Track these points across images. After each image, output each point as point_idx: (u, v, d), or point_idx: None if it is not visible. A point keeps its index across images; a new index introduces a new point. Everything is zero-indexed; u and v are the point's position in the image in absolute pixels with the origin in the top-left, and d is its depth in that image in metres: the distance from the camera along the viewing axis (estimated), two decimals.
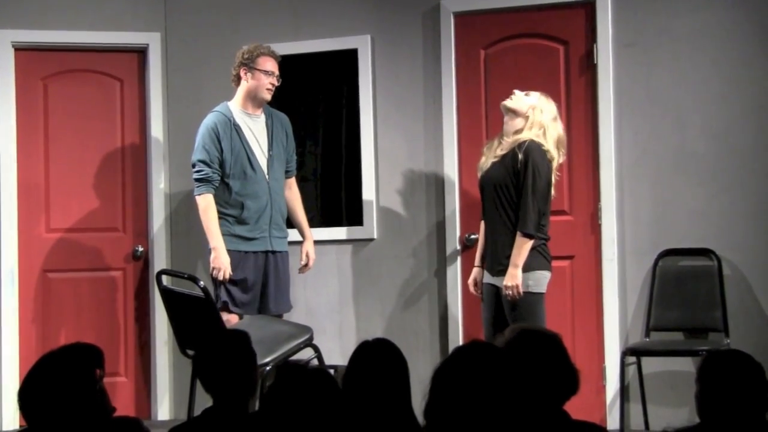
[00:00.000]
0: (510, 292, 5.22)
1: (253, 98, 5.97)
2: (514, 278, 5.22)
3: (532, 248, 5.26)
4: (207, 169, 5.82)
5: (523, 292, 5.23)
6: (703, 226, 5.88)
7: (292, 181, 6.20)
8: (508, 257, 5.27)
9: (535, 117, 5.37)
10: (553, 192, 5.42)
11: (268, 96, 5.99)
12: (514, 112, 5.42)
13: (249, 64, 5.94)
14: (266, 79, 5.95)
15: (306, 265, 6.13)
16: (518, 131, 5.38)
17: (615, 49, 6.04)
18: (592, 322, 6.06)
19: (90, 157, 6.81)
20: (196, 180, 5.86)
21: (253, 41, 6.12)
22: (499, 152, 5.41)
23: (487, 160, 5.47)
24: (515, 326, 3.53)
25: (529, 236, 5.22)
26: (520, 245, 5.23)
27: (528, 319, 5.15)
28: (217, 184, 5.84)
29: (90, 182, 6.80)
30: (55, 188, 6.77)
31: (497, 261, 5.38)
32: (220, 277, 5.74)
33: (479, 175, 5.54)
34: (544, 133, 5.36)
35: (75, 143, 6.79)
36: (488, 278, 5.47)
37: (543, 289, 5.34)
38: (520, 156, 5.28)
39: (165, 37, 6.85)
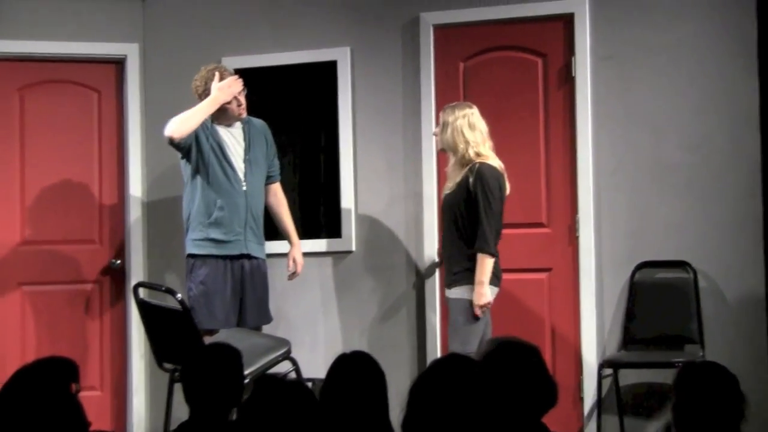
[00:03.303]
0: (483, 311, 5.39)
1: (227, 119, 5.93)
2: (482, 296, 5.38)
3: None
4: None
5: (467, 301, 5.39)
6: (680, 238, 5.90)
7: (277, 187, 6.16)
8: (454, 273, 5.48)
9: (457, 141, 5.47)
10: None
11: (243, 114, 5.94)
12: (445, 150, 5.61)
13: (207, 94, 5.86)
14: (231, 106, 5.88)
15: (294, 272, 6.10)
16: (459, 160, 5.50)
17: (593, 62, 6.06)
18: (569, 335, 6.07)
19: (67, 168, 6.78)
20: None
21: (233, 52, 6.11)
22: (456, 178, 5.51)
23: (449, 184, 5.58)
24: (494, 338, 3.54)
25: (490, 254, 5.38)
26: (482, 263, 5.38)
27: (467, 327, 5.35)
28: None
29: (66, 194, 6.76)
30: (31, 200, 6.73)
31: (448, 274, 5.56)
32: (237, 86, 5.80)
33: (443, 197, 5.65)
34: (469, 145, 5.46)
35: (52, 154, 6.75)
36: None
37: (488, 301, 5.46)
38: (471, 179, 5.41)
39: (143, 48, 6.84)
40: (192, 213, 5.87)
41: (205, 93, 5.85)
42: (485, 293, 5.37)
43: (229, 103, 5.85)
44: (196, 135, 5.78)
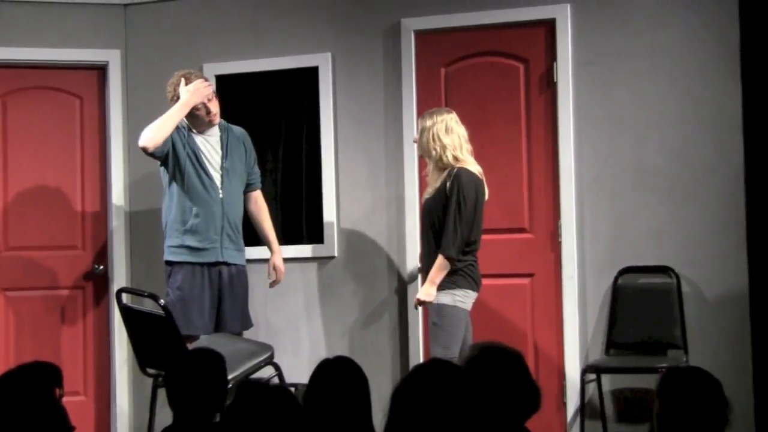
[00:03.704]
0: (421, 307, 5.51)
1: (201, 126, 5.93)
2: (428, 295, 5.43)
3: (459, 269, 5.42)
4: None
5: (449, 306, 5.41)
6: (662, 244, 5.92)
7: (258, 195, 6.15)
8: None
9: (431, 146, 5.50)
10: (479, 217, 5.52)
11: (215, 121, 5.93)
12: (423, 156, 5.65)
13: (178, 99, 5.84)
14: (200, 113, 5.86)
15: (275, 280, 6.10)
16: (436, 165, 5.52)
17: (575, 68, 6.08)
18: (552, 340, 6.08)
19: (49, 174, 6.76)
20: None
21: (214, 58, 6.11)
22: (436, 183, 5.52)
23: (429, 189, 5.60)
24: (477, 344, 3.54)
25: (449, 258, 5.39)
26: (440, 264, 5.41)
27: (447, 330, 5.39)
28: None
29: (49, 200, 6.75)
30: (14, 206, 6.71)
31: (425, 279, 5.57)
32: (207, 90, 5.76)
33: (423, 202, 5.67)
34: (446, 149, 5.47)
35: (34, 160, 6.74)
36: None
37: (467, 306, 5.47)
38: (448, 183, 5.43)
39: (125, 54, 6.83)
40: (169, 220, 5.87)
41: (175, 98, 5.84)
42: (430, 292, 5.41)
43: (198, 109, 5.83)
44: (172, 142, 5.78)
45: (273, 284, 6.12)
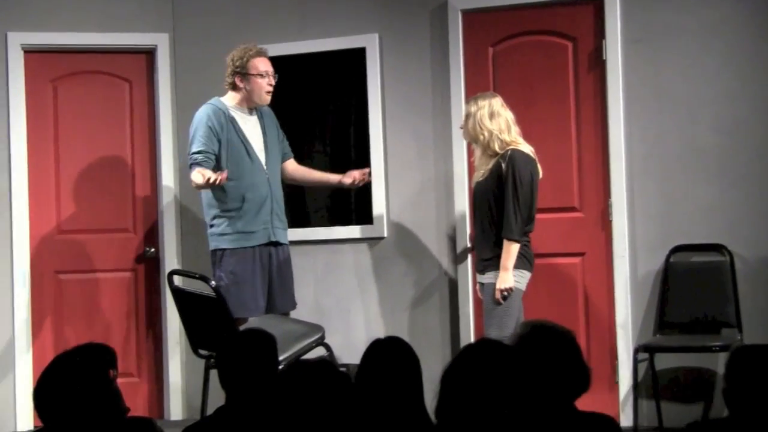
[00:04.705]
0: (506, 294, 5.40)
1: (250, 101, 5.95)
2: (504, 281, 5.40)
3: None
4: (200, 156, 5.76)
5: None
6: (714, 222, 5.87)
7: (293, 162, 6.21)
8: (486, 260, 5.51)
9: (478, 132, 5.49)
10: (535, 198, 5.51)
11: (267, 99, 5.95)
12: (470, 142, 5.69)
13: (242, 71, 5.88)
14: (263, 81, 5.90)
15: (363, 177, 6.09)
16: (484, 150, 5.52)
17: (623, 45, 6.03)
18: (603, 319, 6.05)
19: (100, 158, 6.82)
20: (191, 165, 5.76)
21: (261, 41, 6.12)
22: (488, 165, 5.51)
23: (478, 172, 5.58)
24: (529, 321, 3.53)
25: (515, 240, 5.39)
26: (507, 249, 5.41)
27: (501, 311, 5.39)
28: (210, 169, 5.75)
29: (100, 183, 6.82)
30: (66, 190, 6.78)
31: (480, 260, 5.60)
32: (212, 179, 5.54)
33: (473, 185, 5.66)
34: (493, 134, 5.46)
35: (85, 145, 6.80)
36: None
37: (521, 286, 5.47)
38: (503, 165, 5.41)
39: (173, 37, 6.86)
40: (218, 205, 5.86)
41: (234, 72, 5.87)
42: (508, 279, 5.39)
43: (261, 76, 5.86)
44: (218, 140, 5.79)
45: (365, 177, 6.12)
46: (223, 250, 5.85)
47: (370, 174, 6.17)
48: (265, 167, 5.93)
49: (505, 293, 5.39)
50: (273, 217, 5.91)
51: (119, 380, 3.30)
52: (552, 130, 6.13)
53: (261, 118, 6.02)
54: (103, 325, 6.75)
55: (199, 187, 5.71)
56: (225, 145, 5.82)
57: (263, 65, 5.92)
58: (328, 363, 3.28)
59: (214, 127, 5.80)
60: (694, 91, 5.93)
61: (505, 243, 5.40)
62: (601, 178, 6.08)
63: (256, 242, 5.85)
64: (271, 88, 5.94)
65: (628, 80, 6.03)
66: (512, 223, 5.38)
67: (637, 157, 6.01)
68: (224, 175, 5.57)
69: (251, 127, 5.95)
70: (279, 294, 5.93)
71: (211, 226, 5.90)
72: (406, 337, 3.77)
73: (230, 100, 5.95)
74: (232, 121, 5.88)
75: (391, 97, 6.47)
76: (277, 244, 5.92)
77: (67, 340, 6.54)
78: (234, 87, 5.93)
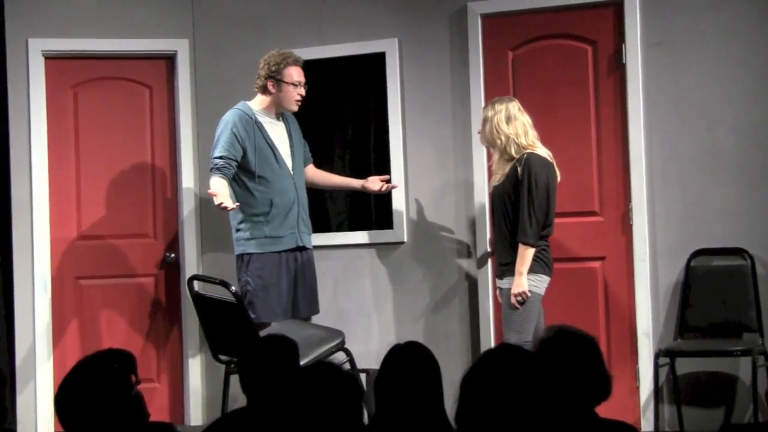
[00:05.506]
0: (520, 299, 5.40)
1: (278, 107, 5.97)
2: (519, 286, 5.41)
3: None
4: (220, 162, 5.77)
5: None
6: (735, 225, 5.84)
7: (312, 167, 6.25)
8: (504, 264, 5.52)
9: (495, 136, 5.51)
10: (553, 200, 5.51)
11: (295, 107, 5.97)
12: (488, 147, 5.75)
13: (276, 76, 5.90)
14: (294, 91, 5.92)
15: (387, 184, 6.18)
16: (501, 155, 5.53)
17: (643, 49, 6.01)
18: (624, 323, 6.03)
19: (120, 163, 6.85)
20: (212, 170, 5.78)
21: (280, 46, 6.12)
22: (505, 169, 5.53)
23: (496, 176, 5.60)
24: (552, 326, 3.52)
25: (530, 245, 5.39)
26: (522, 254, 5.41)
27: (520, 316, 5.39)
28: (229, 176, 5.78)
29: (120, 189, 6.84)
30: (86, 195, 6.81)
31: (499, 265, 5.61)
32: (223, 204, 5.54)
33: (491, 189, 5.67)
34: (510, 139, 5.47)
35: (105, 150, 6.83)
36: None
37: (539, 290, 5.47)
38: (519, 169, 5.42)
39: (193, 43, 6.89)
40: (245, 210, 5.86)
41: (267, 75, 5.89)
42: (522, 283, 5.39)
43: (294, 85, 5.89)
44: (242, 147, 5.80)
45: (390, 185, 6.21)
46: (250, 254, 5.86)
47: (390, 180, 6.18)
48: (291, 172, 5.94)
49: (520, 298, 5.39)
50: (299, 222, 5.93)
51: (140, 386, 3.31)
52: (572, 134, 6.12)
53: (287, 123, 6.04)
54: (124, 330, 6.77)
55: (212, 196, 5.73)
56: (253, 150, 5.83)
57: (298, 75, 5.94)
58: (333, 365, 3.28)
59: (239, 134, 5.81)
60: (713, 93, 5.91)
61: (520, 247, 5.41)
62: (621, 182, 6.06)
63: (284, 247, 5.87)
64: (300, 98, 5.96)
65: (648, 84, 6.01)
66: (527, 227, 5.39)
67: (657, 160, 5.99)
68: (232, 207, 5.60)
69: (278, 133, 5.97)
70: (303, 298, 5.94)
71: (238, 230, 5.91)
72: (425, 342, 3.76)
73: (258, 104, 5.96)
74: (260, 127, 5.89)
75: (411, 102, 6.47)
76: (302, 248, 5.95)
77: (87, 346, 6.56)
78: (264, 90, 5.94)
